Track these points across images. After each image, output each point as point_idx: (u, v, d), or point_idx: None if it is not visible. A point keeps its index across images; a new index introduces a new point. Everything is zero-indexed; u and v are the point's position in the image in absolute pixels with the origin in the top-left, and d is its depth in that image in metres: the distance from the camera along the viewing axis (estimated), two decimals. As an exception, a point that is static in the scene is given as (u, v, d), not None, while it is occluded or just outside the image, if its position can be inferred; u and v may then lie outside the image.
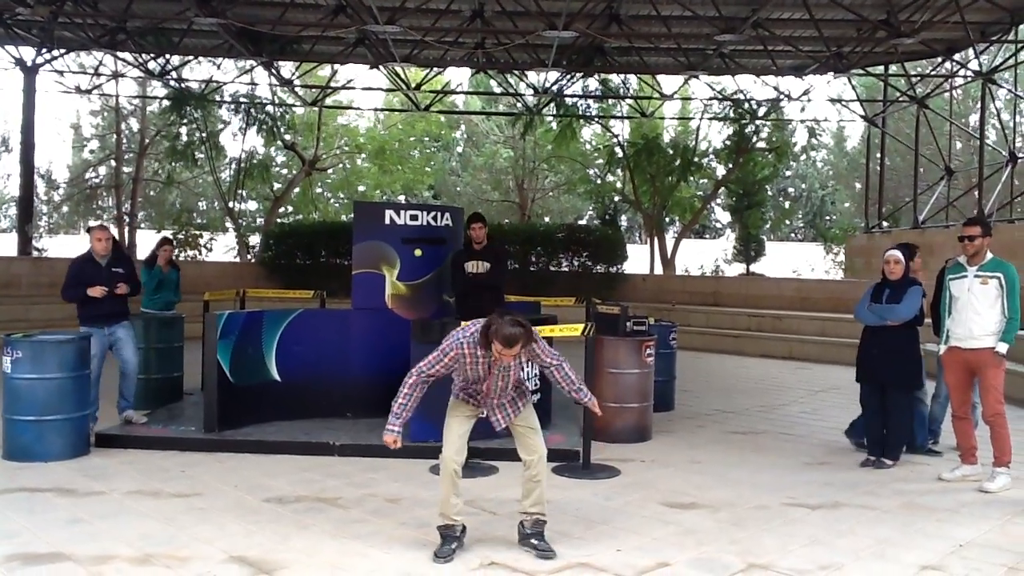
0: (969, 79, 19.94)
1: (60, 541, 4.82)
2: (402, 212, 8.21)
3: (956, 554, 4.95)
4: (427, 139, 32.58)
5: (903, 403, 7.08)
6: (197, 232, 22.01)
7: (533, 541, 4.80)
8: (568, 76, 20.18)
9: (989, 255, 6.48)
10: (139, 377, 8.16)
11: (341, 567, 4.56)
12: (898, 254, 7.11)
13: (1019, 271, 6.54)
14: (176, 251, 9.84)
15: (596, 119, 23.51)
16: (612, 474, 6.63)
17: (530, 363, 4.97)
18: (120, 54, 19.18)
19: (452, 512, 4.73)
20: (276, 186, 25.44)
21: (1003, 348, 6.32)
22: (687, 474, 6.74)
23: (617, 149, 23.39)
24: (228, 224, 27.40)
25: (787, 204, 41.52)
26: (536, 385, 7.63)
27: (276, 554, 4.71)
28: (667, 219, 25.54)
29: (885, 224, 21.49)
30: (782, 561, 4.77)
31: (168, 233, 21.24)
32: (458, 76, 25.44)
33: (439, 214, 8.44)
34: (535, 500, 4.82)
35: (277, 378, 7.79)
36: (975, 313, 6.38)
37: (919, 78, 20.50)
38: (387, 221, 8.12)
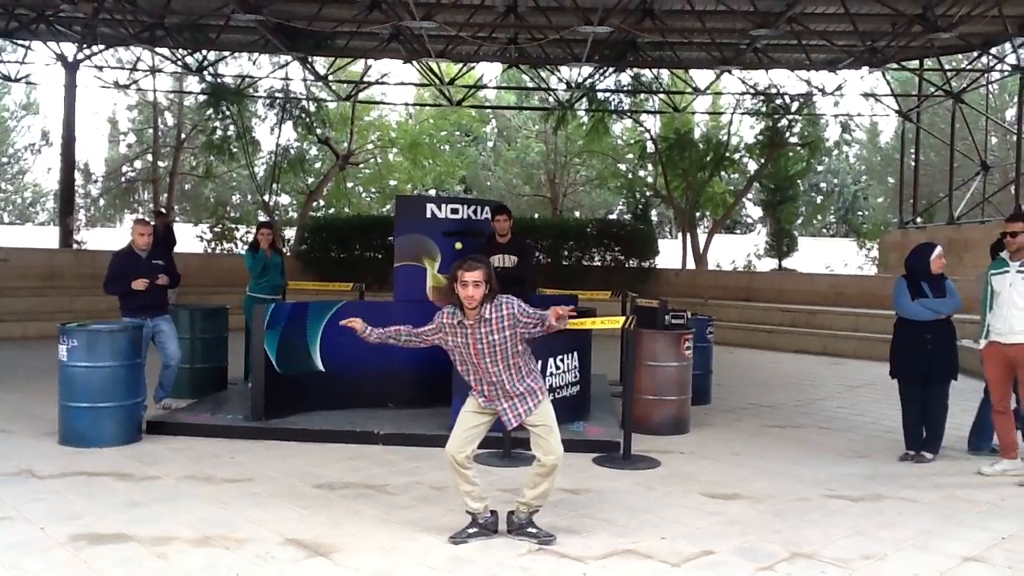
0: (1007, 73, 19.74)
1: (122, 523, 4.99)
2: (443, 206, 8.33)
3: (999, 546, 4.99)
4: (458, 133, 32.71)
5: (943, 396, 7.10)
6: (232, 225, 22.28)
7: (531, 530, 4.85)
8: (600, 71, 20.23)
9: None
10: (184, 367, 8.39)
11: (393, 550, 4.69)
12: (942, 250, 7.13)
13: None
14: (270, 237, 9.85)
15: (628, 114, 23.52)
16: (652, 465, 6.72)
17: (515, 330, 4.65)
18: (158, 50, 19.48)
19: (470, 500, 4.84)
20: (310, 180, 25.70)
21: (1044, 343, 6.33)
22: (727, 466, 6.82)
23: (649, 144, 23.40)
24: (262, 218, 27.71)
25: (819, 199, 41.23)
26: (576, 377, 7.74)
27: (330, 537, 4.85)
28: (699, 214, 25.52)
29: (919, 220, 21.35)
30: (825, 551, 4.83)
31: (205, 225, 21.58)
32: (490, 71, 25.53)
33: (479, 208, 8.57)
34: (540, 493, 4.83)
35: (321, 368, 7.95)
36: (1016, 308, 6.40)
37: (955, 72, 20.34)
38: (428, 215, 8.25)
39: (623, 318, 7.03)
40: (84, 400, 6.76)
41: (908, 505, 5.81)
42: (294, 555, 4.58)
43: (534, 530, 4.86)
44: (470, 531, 4.85)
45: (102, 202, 36.05)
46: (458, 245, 8.30)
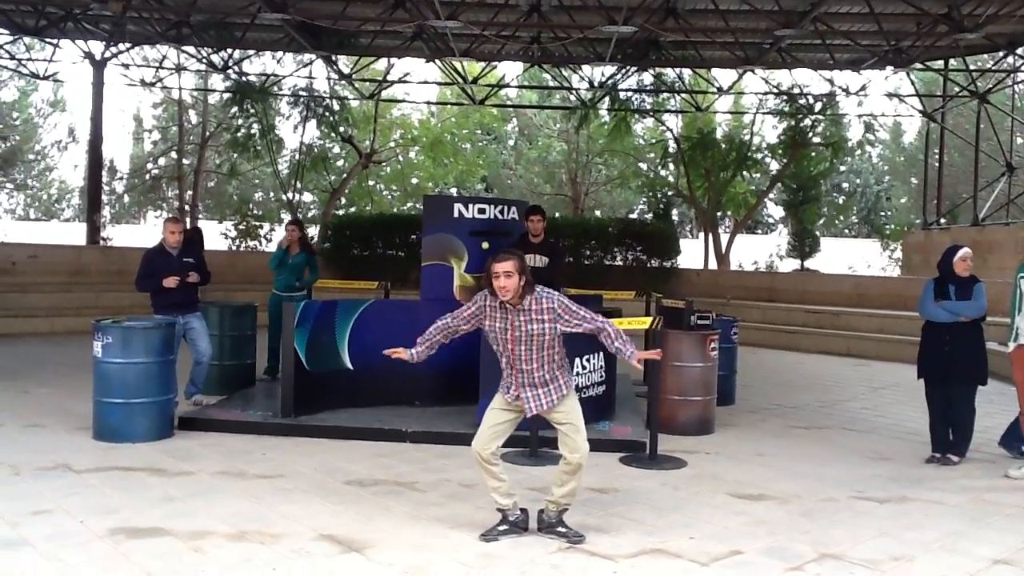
0: (1033, 74, 19.58)
1: (158, 517, 5.09)
2: (470, 205, 8.39)
3: (1027, 549, 5.01)
4: (480, 132, 32.78)
5: (969, 400, 7.09)
6: (257, 223, 22.45)
7: (560, 529, 4.90)
8: (623, 70, 20.23)
9: (1062, 253, 6.48)
10: (213, 364, 8.49)
11: (425, 547, 4.76)
12: (970, 251, 7.10)
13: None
14: (299, 234, 9.96)
15: (650, 113, 23.50)
16: (679, 465, 6.76)
17: (555, 324, 4.72)
18: (184, 48, 19.66)
19: (498, 496, 4.89)
20: (331, 178, 25.85)
21: (1073, 347, 6.32)
22: (753, 466, 6.85)
23: (671, 143, 23.38)
24: (284, 215, 27.88)
25: (841, 200, 41.01)
26: (602, 377, 7.79)
27: (362, 533, 4.92)
28: (720, 214, 25.47)
29: (943, 221, 21.23)
30: (853, 552, 4.86)
31: (230, 223, 21.75)
32: (511, 70, 25.53)
33: (506, 208, 8.62)
34: (568, 492, 4.88)
35: (349, 366, 8.03)
36: (1046, 311, 6.39)
37: (980, 73, 20.19)
38: (455, 214, 8.31)
39: (650, 319, 7.07)
40: (118, 396, 6.87)
41: (935, 507, 5.82)
42: (328, 550, 4.66)
43: (564, 529, 4.91)
44: (500, 528, 4.92)
45: (126, 199, 36.36)
46: (485, 245, 8.35)
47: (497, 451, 4.90)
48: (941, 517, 5.60)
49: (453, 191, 31.82)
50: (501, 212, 8.52)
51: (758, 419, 8.86)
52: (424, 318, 8.24)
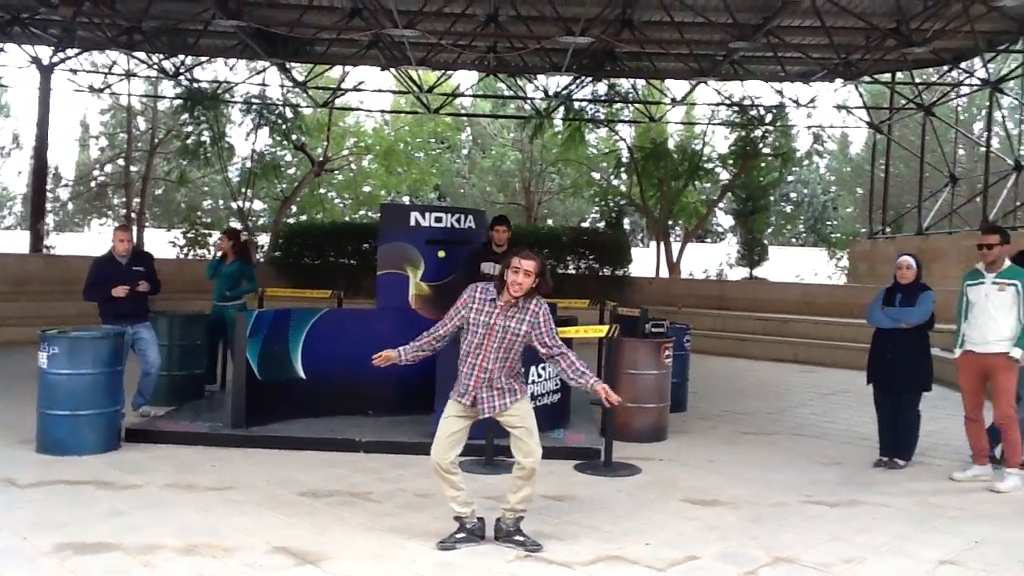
0: (976, 88, 20.12)
1: (106, 532, 4.97)
2: (427, 214, 8.37)
3: (972, 551, 5.12)
4: (433, 141, 32.76)
5: (914, 405, 7.22)
6: (206, 231, 22.16)
7: (518, 537, 4.90)
8: (578, 80, 20.37)
9: (1007, 263, 6.65)
10: (161, 374, 8.34)
11: (382, 558, 4.72)
12: (909, 259, 7.24)
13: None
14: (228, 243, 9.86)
15: (605, 123, 23.68)
16: (633, 472, 6.79)
17: (531, 333, 4.79)
18: (134, 54, 19.35)
19: (456, 505, 4.88)
20: (282, 187, 25.61)
21: (1018, 353, 6.50)
22: (705, 472, 6.91)
23: (624, 153, 23.58)
24: (235, 224, 27.56)
25: (789, 209, 41.69)
26: (557, 385, 7.80)
27: (317, 545, 4.87)
28: (671, 223, 25.74)
29: (888, 230, 21.67)
30: (805, 555, 4.93)
31: (178, 231, 21.40)
32: (465, 79, 25.57)
33: (463, 216, 8.61)
34: (523, 497, 4.88)
35: (302, 376, 7.94)
36: (991, 319, 6.57)
37: (925, 86, 20.69)
38: (412, 223, 8.28)
39: (606, 327, 7.10)
40: (64, 408, 6.70)
41: (883, 511, 5.93)
42: (282, 563, 4.60)
43: (521, 538, 4.90)
44: (458, 536, 4.90)
45: (71, 207, 35.65)
46: (441, 254, 8.35)
47: (456, 459, 4.88)
48: (889, 520, 5.71)
49: (406, 199, 31.73)
50: (458, 221, 8.51)
51: (710, 426, 8.94)
52: (379, 327, 8.28)
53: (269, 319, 7.77)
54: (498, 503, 5.23)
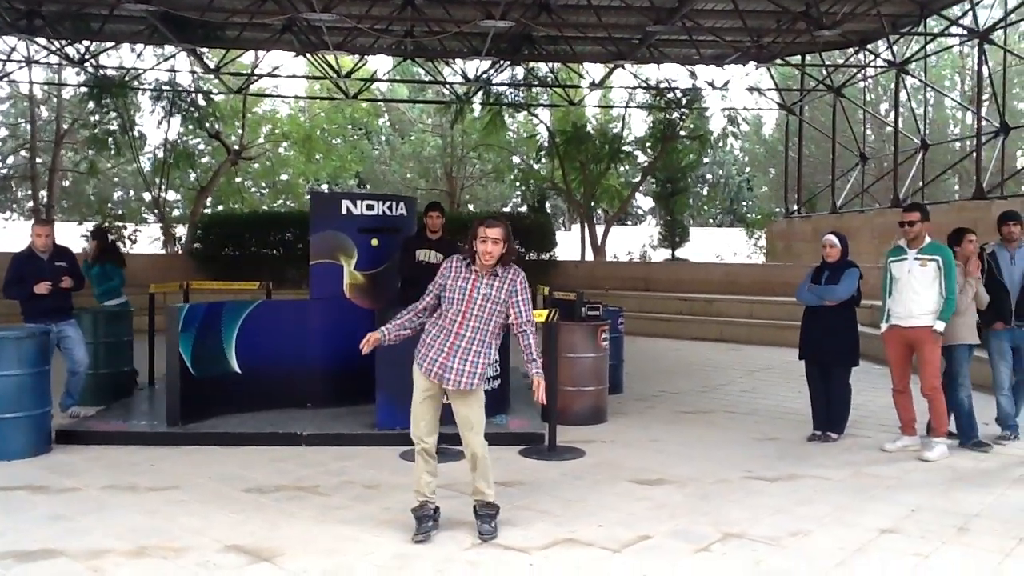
0: (883, 69, 20.79)
1: (48, 538, 4.80)
2: (358, 202, 8.27)
3: (909, 518, 5.33)
4: (350, 127, 32.33)
5: (843, 379, 7.47)
6: (121, 224, 21.43)
7: (484, 524, 4.93)
8: (497, 65, 20.33)
9: (928, 239, 6.91)
10: (88, 373, 8.07)
11: (336, 551, 4.67)
12: (833, 238, 7.45)
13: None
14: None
15: (525, 108, 23.72)
16: (577, 455, 6.86)
17: (508, 301, 4.79)
18: (35, 39, 18.55)
19: (427, 491, 4.88)
20: (193, 176, 24.96)
21: (940, 326, 6.76)
22: (648, 452, 7.02)
23: (544, 137, 23.68)
24: (147, 215, 26.81)
25: (705, 191, 42.54)
26: (497, 371, 7.81)
27: (270, 541, 4.79)
28: (594, 206, 25.98)
29: (803, 210, 22.30)
30: (753, 530, 5.06)
31: (90, 224, 20.67)
32: (381, 64, 25.26)
33: (394, 204, 8.53)
34: (478, 488, 4.94)
35: (237, 370, 7.78)
36: (914, 293, 6.81)
37: (834, 68, 21.30)
38: (344, 211, 8.18)
39: (546, 312, 7.14)
40: (-11, 411, 6.44)
41: (822, 483, 6.12)
42: (236, 561, 4.51)
43: (486, 524, 4.91)
44: (429, 525, 4.86)
45: (-29, 200, 34.13)
46: (374, 242, 8.27)
47: (435, 441, 4.90)
48: (828, 492, 5.90)
49: (325, 187, 31.28)
50: (390, 208, 8.44)
51: (646, 406, 9.08)
52: (314, 317, 8.19)
53: (201, 313, 7.58)
54: (449, 491, 5.23)
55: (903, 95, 20.10)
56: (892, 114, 20.85)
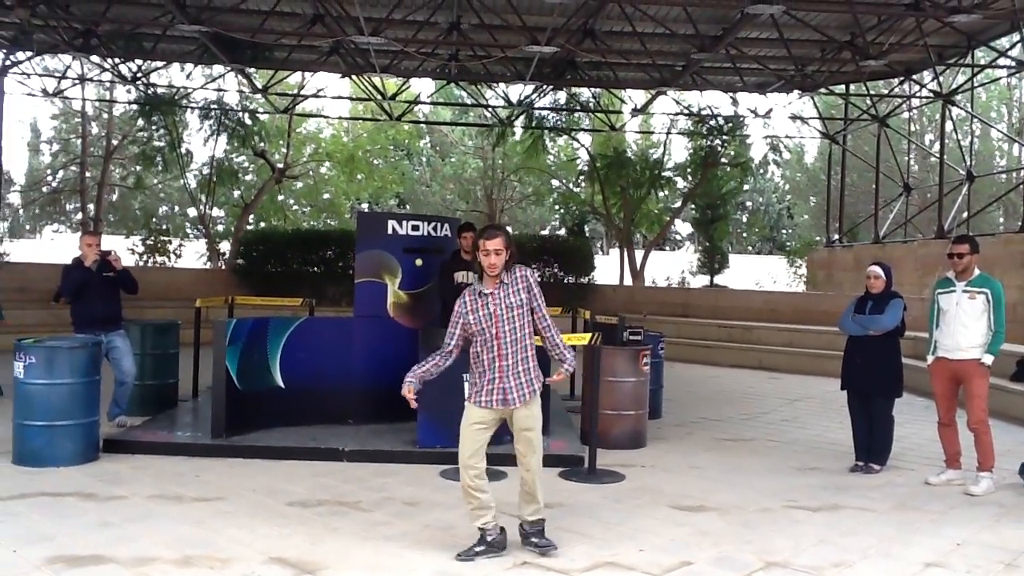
0: (929, 100, 20.62)
1: (98, 544, 4.89)
2: (404, 222, 8.37)
3: (955, 552, 5.25)
4: (392, 148, 32.67)
5: (886, 411, 7.39)
6: (166, 238, 21.83)
7: (534, 539, 4.97)
8: (539, 89, 20.46)
9: (977, 271, 6.85)
10: (134, 384, 8.22)
11: (379, 567, 4.71)
12: (878, 269, 7.41)
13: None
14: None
15: (566, 132, 23.82)
16: (617, 479, 6.85)
17: (530, 298, 4.87)
18: (89, 58, 19.00)
19: (476, 520, 4.87)
20: (238, 193, 25.30)
21: (989, 360, 6.68)
22: (689, 478, 7.00)
23: (585, 160, 23.72)
24: (189, 231, 27.21)
25: (745, 218, 42.33)
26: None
27: (313, 555, 4.84)
28: (633, 231, 25.97)
29: (844, 239, 22.10)
30: (796, 559, 5.02)
31: (137, 238, 21.05)
32: (425, 86, 25.58)
33: (439, 224, 8.63)
34: (534, 510, 5.00)
35: (281, 384, 7.89)
36: (962, 326, 6.74)
37: (879, 98, 21.16)
38: (389, 231, 8.28)
39: (588, 335, 7.16)
40: (42, 418, 6.59)
41: (865, 514, 6.05)
42: (281, 574, 4.57)
43: (537, 540, 4.96)
44: (477, 549, 4.87)
45: (22, 213, 34.89)
46: (418, 262, 8.36)
47: (483, 471, 4.89)
48: (872, 523, 5.83)
49: (365, 207, 31.58)
50: (435, 229, 8.54)
51: (686, 432, 9.05)
52: (357, 335, 8.27)
53: (247, 327, 7.70)
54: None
55: (948, 126, 19.89)
56: (937, 144, 20.59)
